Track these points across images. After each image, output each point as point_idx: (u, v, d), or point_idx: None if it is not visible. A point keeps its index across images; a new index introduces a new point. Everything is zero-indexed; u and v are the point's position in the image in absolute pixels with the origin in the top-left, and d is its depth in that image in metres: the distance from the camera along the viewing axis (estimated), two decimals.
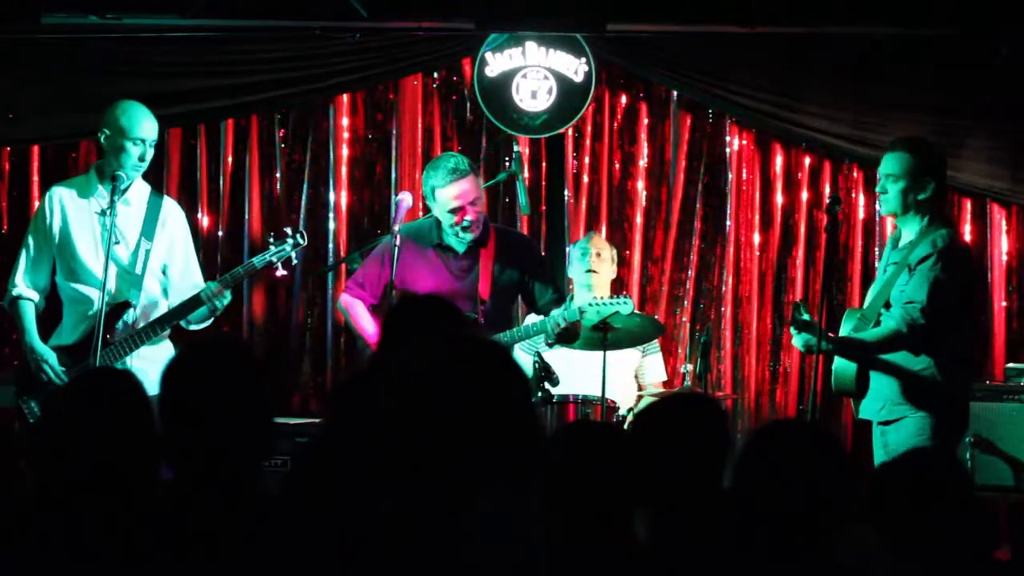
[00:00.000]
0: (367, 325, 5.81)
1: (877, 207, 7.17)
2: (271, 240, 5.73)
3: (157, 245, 5.70)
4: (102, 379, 3.10)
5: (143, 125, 5.61)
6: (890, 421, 5.27)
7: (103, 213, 5.58)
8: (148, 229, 5.69)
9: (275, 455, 5.89)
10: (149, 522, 2.75)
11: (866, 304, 5.43)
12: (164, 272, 5.75)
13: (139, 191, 5.75)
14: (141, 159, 5.62)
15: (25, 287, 5.69)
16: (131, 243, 5.66)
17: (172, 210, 5.83)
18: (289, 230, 5.72)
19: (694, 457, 3.11)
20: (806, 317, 5.26)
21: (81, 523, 2.77)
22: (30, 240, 5.74)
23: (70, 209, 5.70)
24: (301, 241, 5.69)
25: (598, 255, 6.50)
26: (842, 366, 5.37)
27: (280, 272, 5.74)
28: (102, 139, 5.62)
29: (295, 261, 5.80)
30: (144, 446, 2.88)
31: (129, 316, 5.63)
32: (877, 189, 5.37)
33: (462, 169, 5.66)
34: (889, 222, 7.10)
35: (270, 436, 2.86)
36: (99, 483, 2.82)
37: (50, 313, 5.77)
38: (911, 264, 5.23)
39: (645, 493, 3.08)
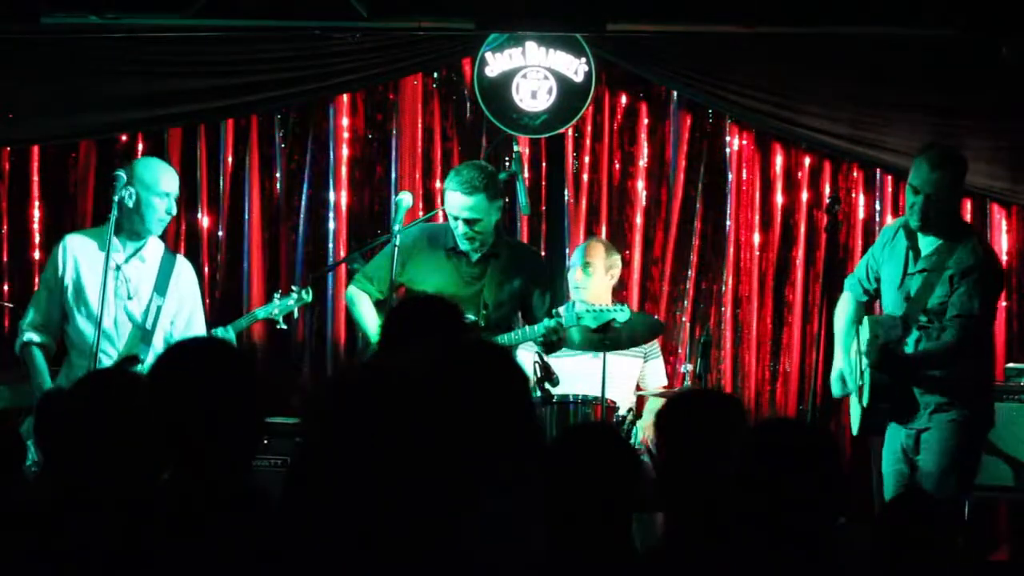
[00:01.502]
0: (370, 319, 5.87)
1: (878, 206, 7.18)
2: (277, 296, 5.94)
3: (168, 302, 5.82)
4: (107, 381, 3.09)
5: (166, 179, 5.79)
6: (927, 426, 5.34)
7: (119, 268, 5.66)
8: (161, 286, 5.81)
9: (274, 454, 5.93)
10: (145, 522, 2.75)
11: (899, 313, 5.44)
12: (171, 327, 5.85)
13: (154, 249, 5.87)
14: (167, 212, 5.77)
15: (36, 334, 5.76)
16: (144, 299, 5.77)
17: (184, 269, 5.97)
18: (295, 287, 5.96)
19: (714, 454, 3.11)
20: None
21: (82, 523, 2.77)
22: (42, 288, 5.84)
23: (83, 262, 5.77)
24: (306, 298, 5.93)
25: (583, 268, 6.50)
26: (879, 378, 5.40)
27: (281, 325, 5.96)
28: (127, 196, 5.67)
29: (296, 316, 5.94)
30: (147, 448, 2.87)
31: (137, 370, 5.67)
32: (917, 201, 5.37)
33: (468, 184, 5.69)
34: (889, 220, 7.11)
35: (258, 435, 2.86)
36: (101, 482, 2.81)
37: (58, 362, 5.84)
38: (954, 274, 5.27)
39: (664, 490, 3.08)
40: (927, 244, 5.44)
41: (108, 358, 5.62)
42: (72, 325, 5.74)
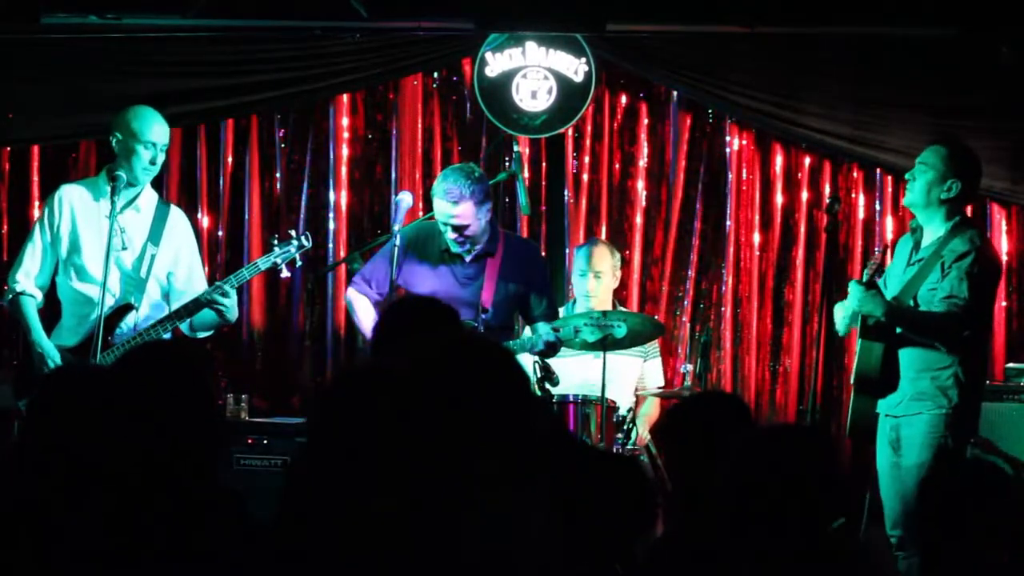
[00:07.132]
0: (369, 322, 5.84)
1: (878, 206, 7.19)
2: (275, 242, 5.77)
3: (162, 251, 5.75)
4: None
5: (154, 129, 5.67)
6: (905, 415, 5.30)
7: (113, 217, 5.60)
8: (155, 235, 5.74)
9: (274, 454, 5.92)
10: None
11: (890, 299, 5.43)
12: (168, 279, 5.78)
13: (148, 198, 5.80)
14: (152, 162, 5.67)
15: (27, 283, 5.70)
16: (137, 248, 5.70)
17: (179, 219, 5.89)
18: (293, 232, 5.77)
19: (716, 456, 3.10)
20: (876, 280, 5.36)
21: (81, 522, 2.76)
22: (36, 237, 5.75)
23: (79, 210, 5.72)
24: (306, 243, 5.75)
25: (596, 276, 6.52)
26: (867, 349, 5.36)
27: (284, 274, 5.80)
28: (113, 143, 5.67)
29: (299, 263, 5.83)
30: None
31: (130, 318, 5.65)
32: (907, 176, 5.43)
33: (454, 193, 5.62)
34: (890, 223, 7.12)
35: (219, 437, 2.87)
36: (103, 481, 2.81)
37: (48, 314, 5.78)
38: (945, 261, 5.24)
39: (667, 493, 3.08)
40: (927, 237, 5.43)
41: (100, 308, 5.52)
42: (64, 277, 5.70)
